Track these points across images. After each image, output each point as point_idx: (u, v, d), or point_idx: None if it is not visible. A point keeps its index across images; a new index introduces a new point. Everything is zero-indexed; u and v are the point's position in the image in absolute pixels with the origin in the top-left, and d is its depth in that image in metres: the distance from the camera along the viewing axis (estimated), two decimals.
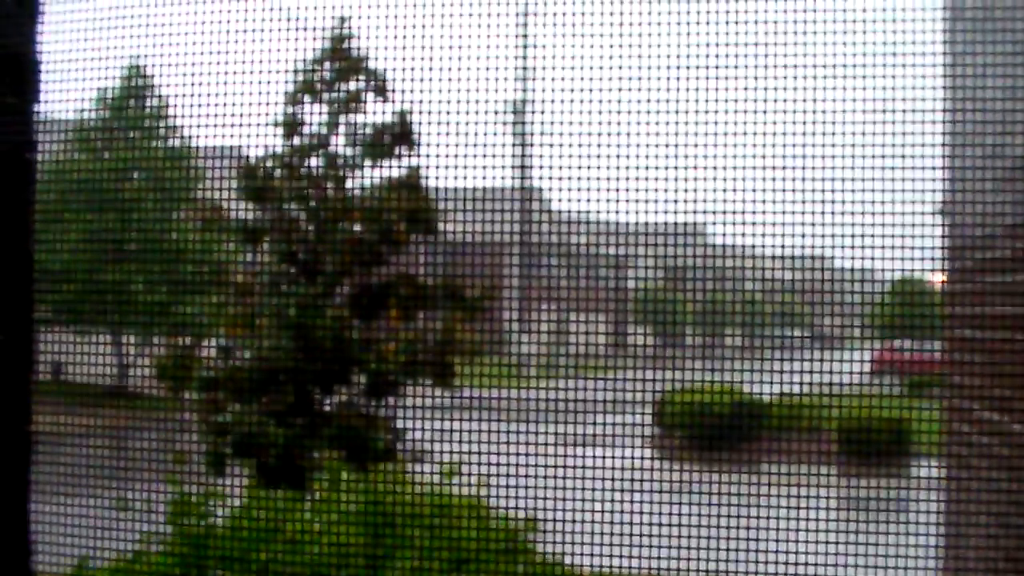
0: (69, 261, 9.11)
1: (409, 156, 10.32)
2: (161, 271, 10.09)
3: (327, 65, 10.47)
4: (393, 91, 10.43)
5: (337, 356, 9.62)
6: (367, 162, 10.38)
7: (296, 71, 10.42)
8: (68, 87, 7.07)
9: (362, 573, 5.80)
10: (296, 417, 9.46)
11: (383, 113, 10.48)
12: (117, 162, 9.95)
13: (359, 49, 10.50)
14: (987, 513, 5.90)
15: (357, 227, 10.32)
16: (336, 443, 9.40)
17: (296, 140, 10.49)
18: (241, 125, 7.29)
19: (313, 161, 10.45)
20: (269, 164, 10.45)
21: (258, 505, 6.48)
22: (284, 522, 6.18)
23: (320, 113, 10.55)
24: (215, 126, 7.19)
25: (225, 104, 7.09)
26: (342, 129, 10.51)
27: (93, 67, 7.10)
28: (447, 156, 6.96)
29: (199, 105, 7.11)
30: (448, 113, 6.89)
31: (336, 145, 10.46)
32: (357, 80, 10.53)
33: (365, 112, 10.45)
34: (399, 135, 10.25)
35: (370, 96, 10.48)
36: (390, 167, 10.41)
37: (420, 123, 10.21)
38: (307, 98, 10.43)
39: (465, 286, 10.02)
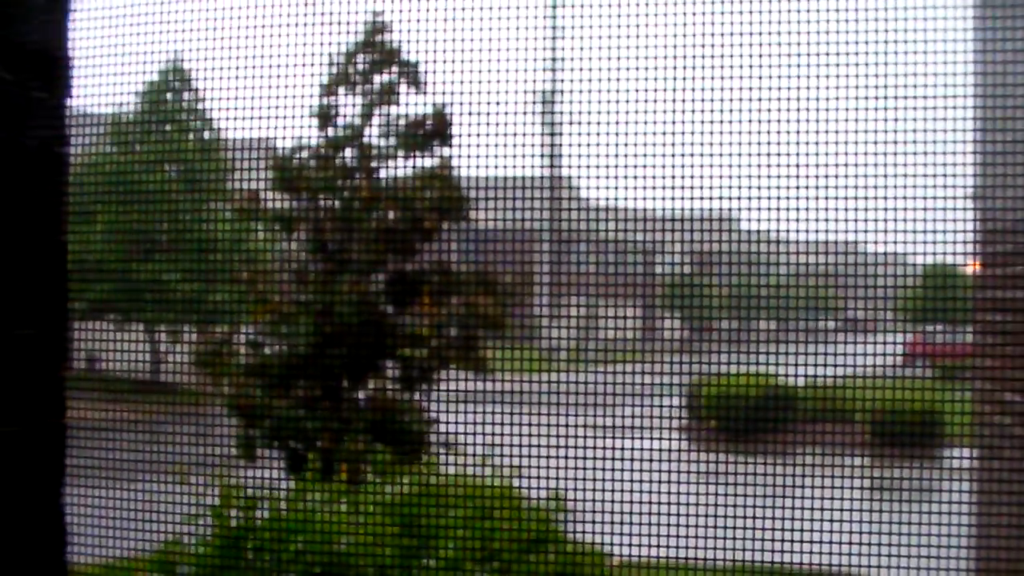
0: (104, 253, 9.18)
1: (443, 149, 10.33)
2: (195, 262, 10.15)
3: (361, 57, 10.48)
4: (426, 82, 10.44)
5: (369, 344, 9.66)
6: (400, 153, 10.40)
7: (331, 63, 10.44)
8: (103, 81, 7.13)
9: (397, 563, 5.84)
10: (328, 406, 9.51)
11: (417, 105, 10.49)
12: (151, 155, 10.01)
13: (393, 41, 10.52)
14: (1019, 502, 5.88)
15: (389, 216, 10.34)
16: (369, 432, 9.43)
17: (330, 131, 10.52)
18: (275, 117, 7.34)
19: (347, 152, 10.47)
20: (303, 155, 10.49)
21: (298, 496, 6.52)
22: (321, 512, 6.22)
23: (354, 105, 10.57)
24: (249, 118, 7.24)
25: (259, 96, 7.13)
26: (376, 120, 10.53)
27: (127, 61, 7.16)
28: (478, 145, 6.99)
29: (233, 97, 7.16)
30: (478, 102, 6.91)
31: (370, 136, 10.48)
32: (391, 72, 10.54)
33: (399, 104, 10.47)
34: (435, 130, 10.26)
35: (404, 87, 10.50)
36: (422, 158, 10.43)
37: (454, 116, 10.23)
38: (341, 89, 10.45)
39: (496, 274, 10.03)
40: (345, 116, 10.54)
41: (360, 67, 10.45)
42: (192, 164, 11.05)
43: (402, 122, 10.43)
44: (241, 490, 6.34)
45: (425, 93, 10.53)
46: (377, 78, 10.51)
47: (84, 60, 7.13)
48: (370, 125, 10.48)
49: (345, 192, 10.44)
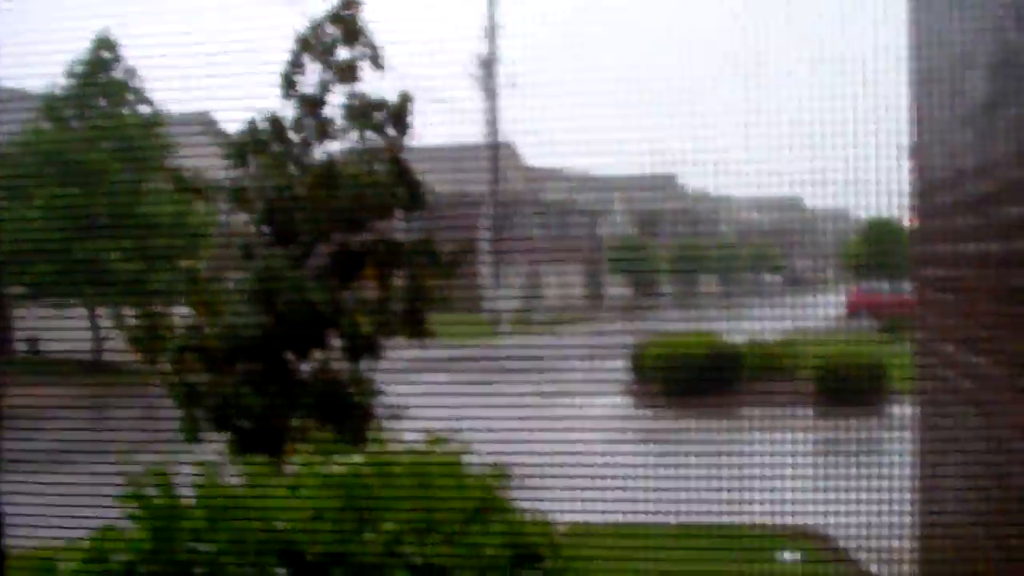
0: (40, 235, 9.07)
1: (399, 132, 10.21)
2: (134, 241, 10.05)
3: (324, 30, 10.31)
4: (384, 62, 10.28)
5: (313, 318, 9.59)
6: (354, 132, 10.27)
7: (297, 36, 10.26)
8: (34, 59, 7.04)
9: (339, 539, 5.82)
10: (272, 383, 9.45)
11: (371, 85, 10.36)
12: (86, 132, 9.89)
13: (357, 17, 10.34)
14: (960, 450, 5.94)
15: (338, 195, 10.24)
16: (313, 408, 9.39)
17: (286, 105, 10.38)
18: (219, 91, 7.25)
19: (300, 126, 10.34)
20: (251, 128, 10.35)
21: (233, 474, 6.48)
22: (259, 489, 6.19)
23: (312, 81, 10.42)
24: (187, 93, 7.16)
25: (198, 69, 7.05)
26: (333, 97, 10.39)
27: (59, 38, 7.06)
28: (419, 113, 6.96)
29: (170, 71, 7.09)
30: (419, 70, 6.87)
31: (325, 112, 10.34)
32: (353, 48, 10.38)
33: (357, 81, 10.32)
34: (394, 116, 10.14)
35: (364, 65, 10.34)
36: (375, 139, 10.30)
37: (413, 103, 10.09)
38: (302, 62, 10.29)
39: (439, 243, 9.98)
40: (301, 91, 10.39)
41: (323, 41, 10.28)
42: (129, 140, 10.93)
43: (357, 102, 10.30)
44: (168, 470, 6.27)
45: (382, 70, 10.37)
46: (340, 53, 10.36)
47: (13, 38, 7.03)
48: (326, 102, 10.35)
49: (294, 167, 10.34)
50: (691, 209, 9.81)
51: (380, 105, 10.17)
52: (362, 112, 10.19)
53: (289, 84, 10.21)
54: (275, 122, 10.17)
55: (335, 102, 10.30)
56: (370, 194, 9.97)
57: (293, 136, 10.26)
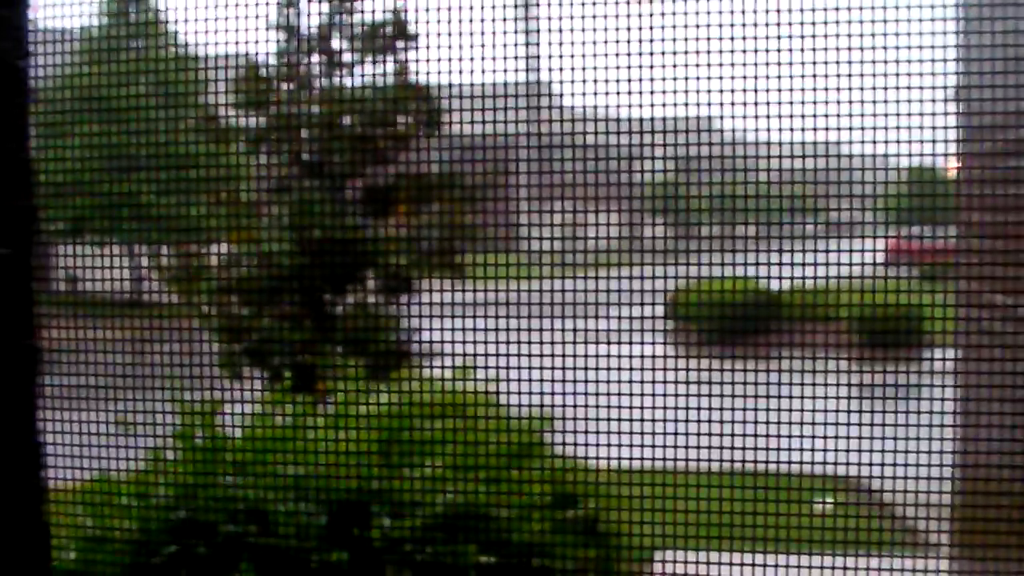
0: (77, 173, 9.06)
1: (407, 51, 10.18)
2: (168, 179, 10.04)
3: None
4: None
5: (346, 256, 9.60)
6: (366, 59, 10.23)
7: None
8: None
9: (377, 476, 5.84)
10: (307, 320, 9.47)
11: (378, 10, 10.32)
12: (120, 70, 9.85)
13: None
14: (1000, 399, 5.89)
15: (357, 124, 10.20)
16: (348, 345, 9.41)
17: (293, 41, 10.35)
18: (239, 29, 7.22)
19: (312, 59, 10.31)
20: (269, 66, 10.33)
21: (272, 411, 6.50)
22: (299, 428, 6.20)
23: (318, 12, 10.38)
24: (215, 31, 7.13)
25: (223, 7, 7.02)
26: (339, 27, 10.35)
27: None
28: (451, 51, 6.90)
29: (197, 10, 7.05)
30: (451, 5, 6.81)
31: (333, 42, 10.31)
32: None
33: (360, 10, 10.27)
34: (396, 32, 10.09)
35: None
36: (387, 63, 10.28)
37: (416, 17, 10.07)
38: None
39: (469, 176, 9.96)
40: (308, 24, 10.36)
41: None
42: (163, 79, 10.89)
43: (364, 27, 10.25)
44: (213, 407, 6.29)
45: None
46: None
47: None
48: (335, 32, 10.31)
49: (313, 101, 10.31)
50: (730, 152, 9.73)
51: (381, 26, 10.15)
52: (366, 36, 10.17)
53: (287, 24, 10.19)
54: (287, 58, 10.16)
55: (339, 32, 10.28)
56: (387, 115, 9.96)
57: (306, 70, 10.25)
